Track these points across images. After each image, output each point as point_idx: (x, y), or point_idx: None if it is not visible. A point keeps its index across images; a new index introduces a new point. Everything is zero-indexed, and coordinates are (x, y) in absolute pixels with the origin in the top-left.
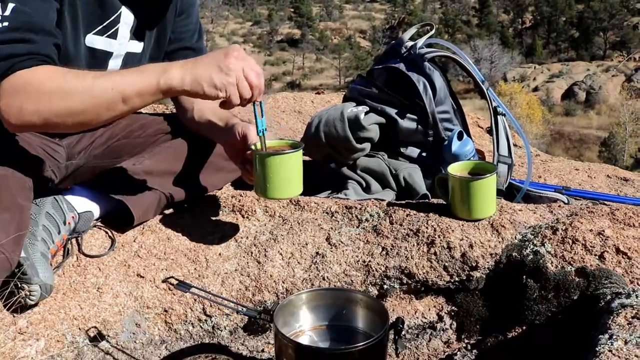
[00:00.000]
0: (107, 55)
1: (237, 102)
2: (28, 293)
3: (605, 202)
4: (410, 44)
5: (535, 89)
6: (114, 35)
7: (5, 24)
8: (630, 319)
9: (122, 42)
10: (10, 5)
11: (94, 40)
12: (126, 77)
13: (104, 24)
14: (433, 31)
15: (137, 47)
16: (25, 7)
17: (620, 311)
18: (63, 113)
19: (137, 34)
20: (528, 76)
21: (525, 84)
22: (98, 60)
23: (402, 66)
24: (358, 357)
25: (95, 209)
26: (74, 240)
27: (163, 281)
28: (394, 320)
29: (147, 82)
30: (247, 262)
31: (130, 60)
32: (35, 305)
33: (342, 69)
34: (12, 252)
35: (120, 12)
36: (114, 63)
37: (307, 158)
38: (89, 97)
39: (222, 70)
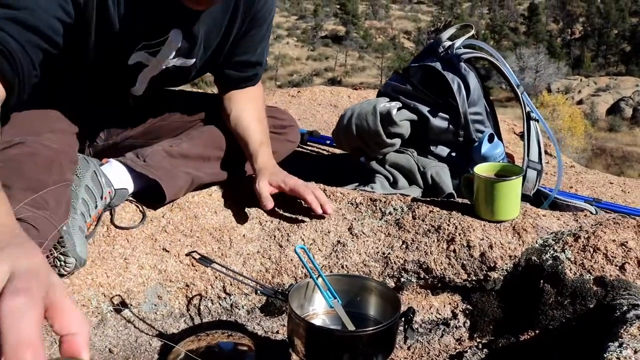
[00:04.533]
0: (142, 66)
1: None
2: (64, 264)
3: (637, 217)
4: (448, 43)
5: (580, 102)
6: (154, 54)
7: None
8: None
9: (160, 59)
10: None
11: (135, 57)
12: None
13: (148, 43)
14: (472, 32)
15: (186, 62)
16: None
17: (634, 322)
18: None
19: (186, 53)
20: (573, 88)
21: (569, 96)
22: (132, 69)
23: (438, 65)
24: (367, 341)
25: (130, 186)
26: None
27: (187, 255)
28: (406, 309)
29: None
30: (270, 245)
31: (179, 71)
32: (67, 275)
33: (384, 68)
34: (59, 224)
35: (168, 37)
36: (151, 72)
37: (337, 150)
38: None
39: None
